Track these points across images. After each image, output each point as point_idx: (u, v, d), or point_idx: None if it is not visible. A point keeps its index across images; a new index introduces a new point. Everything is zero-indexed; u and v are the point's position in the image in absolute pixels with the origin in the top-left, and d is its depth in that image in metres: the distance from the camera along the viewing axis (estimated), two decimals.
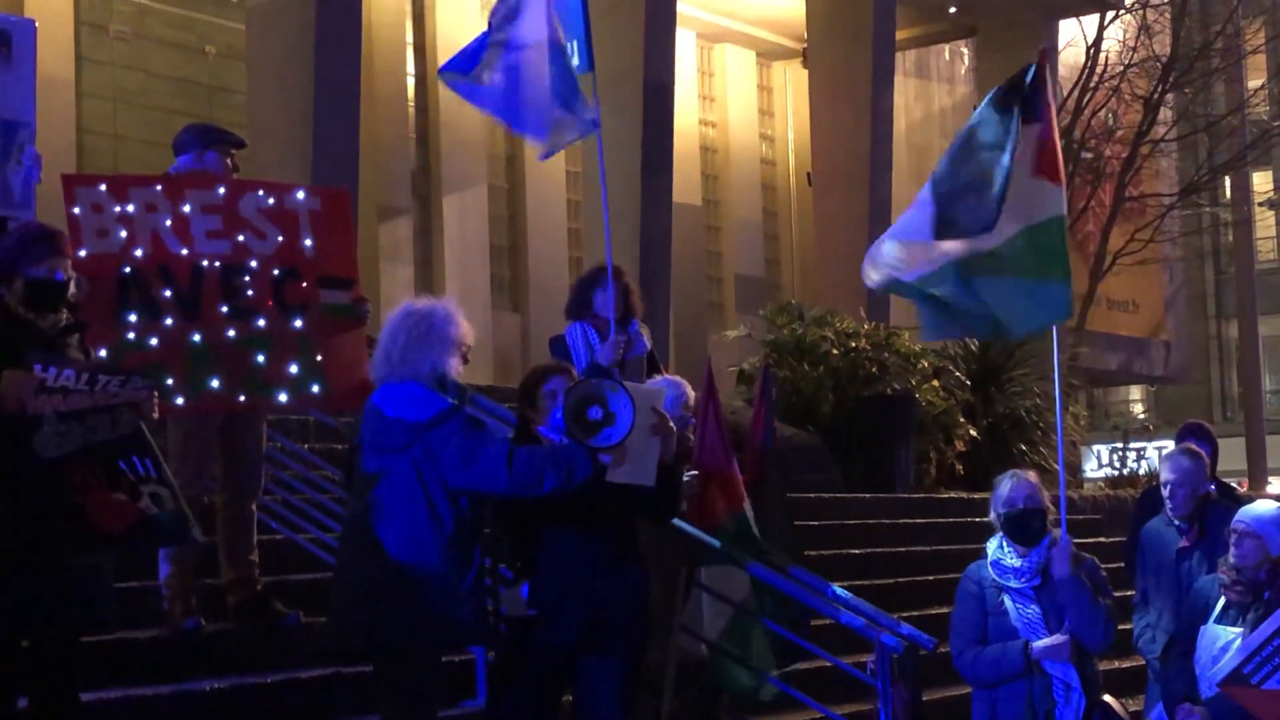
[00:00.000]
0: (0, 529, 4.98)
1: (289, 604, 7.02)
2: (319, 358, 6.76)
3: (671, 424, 5.71)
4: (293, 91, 11.96)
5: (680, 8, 15.38)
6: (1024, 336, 6.83)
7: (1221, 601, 6.38)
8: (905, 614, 7.24)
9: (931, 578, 10.38)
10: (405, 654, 5.36)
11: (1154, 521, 7.41)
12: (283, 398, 6.77)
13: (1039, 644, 6.14)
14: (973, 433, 14.12)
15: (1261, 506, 6.46)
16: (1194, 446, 7.36)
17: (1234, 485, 9.62)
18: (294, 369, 6.70)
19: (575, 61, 7.43)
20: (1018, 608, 6.25)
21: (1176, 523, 7.22)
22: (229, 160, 6.97)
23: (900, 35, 18.25)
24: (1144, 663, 7.62)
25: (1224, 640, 6.31)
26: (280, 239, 6.74)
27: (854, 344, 13.51)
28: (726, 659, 6.76)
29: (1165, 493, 7.20)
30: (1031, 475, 6.42)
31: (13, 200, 6.62)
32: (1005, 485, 6.34)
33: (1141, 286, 26.17)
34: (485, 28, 7.48)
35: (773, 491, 7.27)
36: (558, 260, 16.64)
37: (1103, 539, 11.96)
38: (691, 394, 7.02)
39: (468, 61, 7.40)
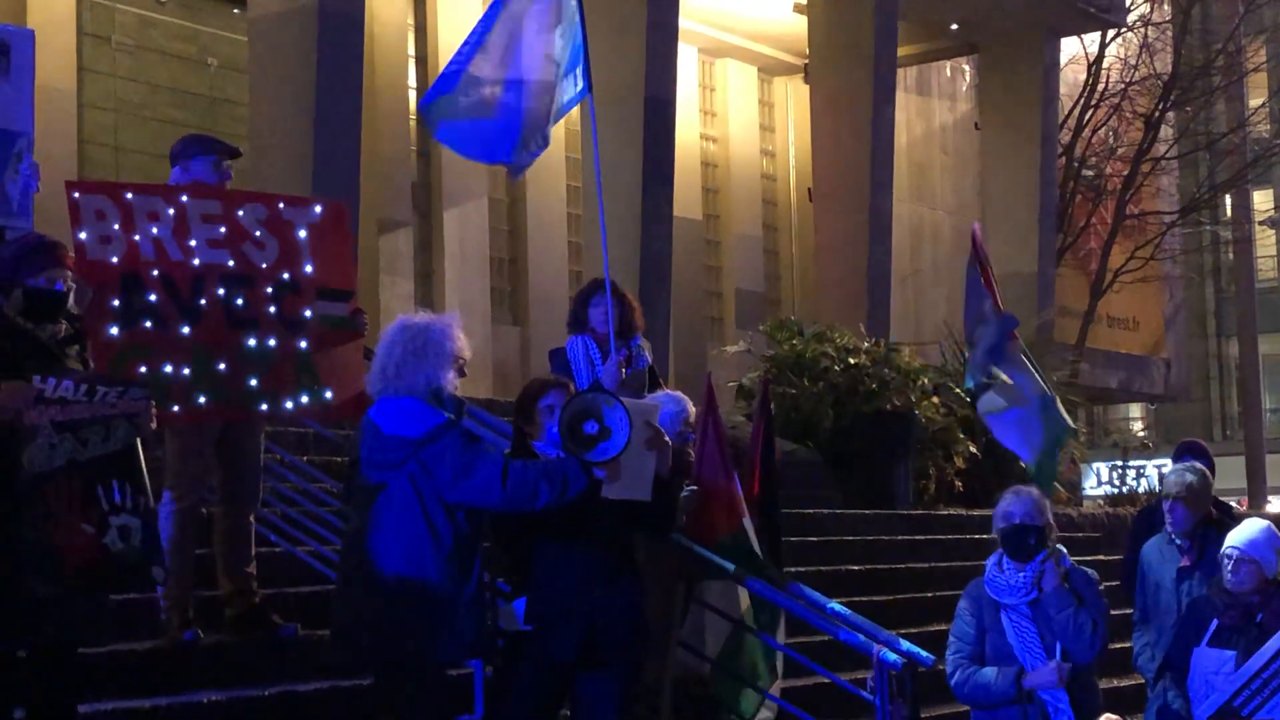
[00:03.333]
0: None
1: (287, 616, 7.01)
2: (317, 369, 6.76)
3: (667, 439, 5.70)
4: (294, 104, 11.97)
5: (682, 23, 15.40)
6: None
7: (1214, 624, 6.37)
8: (904, 631, 7.21)
9: (930, 594, 10.36)
10: (408, 671, 5.35)
11: (1154, 540, 7.39)
12: (288, 406, 6.77)
13: (1029, 677, 6.13)
14: (972, 449, 14.10)
15: (1252, 530, 6.45)
16: (1200, 465, 7.36)
17: (1233, 504, 9.62)
18: (293, 379, 6.71)
19: (579, 87, 7.52)
20: (1014, 626, 6.24)
21: (1178, 542, 7.21)
22: (218, 168, 6.92)
23: (901, 52, 18.26)
24: (1144, 681, 7.60)
25: (1217, 664, 6.31)
26: (279, 250, 6.75)
27: (854, 360, 13.50)
28: (728, 677, 6.74)
29: (1166, 507, 7.18)
30: (1034, 492, 6.42)
31: (11, 209, 6.64)
32: (1005, 501, 6.35)
33: (1142, 304, 26.20)
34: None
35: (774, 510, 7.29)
36: (558, 274, 16.65)
37: (1102, 556, 11.93)
38: (692, 409, 7.01)
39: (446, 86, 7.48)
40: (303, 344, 6.74)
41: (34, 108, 6.91)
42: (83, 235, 6.36)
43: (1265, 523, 6.57)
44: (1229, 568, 6.37)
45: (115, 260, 6.43)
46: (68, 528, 5.09)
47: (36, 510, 5.05)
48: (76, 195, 6.47)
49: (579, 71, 7.57)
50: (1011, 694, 6.13)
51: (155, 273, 6.51)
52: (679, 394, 7.14)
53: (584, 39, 7.52)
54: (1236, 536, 6.42)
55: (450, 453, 5.26)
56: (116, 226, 6.45)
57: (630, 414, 5.33)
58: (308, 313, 6.77)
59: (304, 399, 6.77)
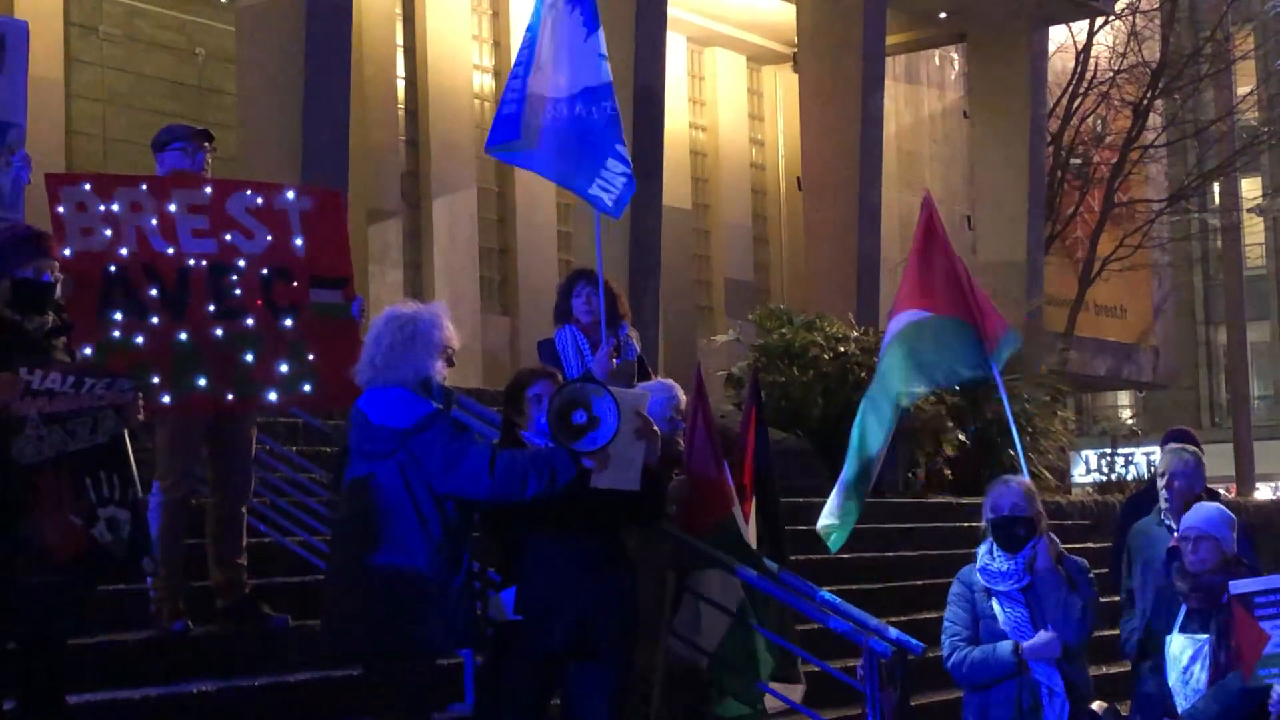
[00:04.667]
0: None
1: (277, 607, 7.01)
2: (310, 357, 6.75)
3: (656, 428, 5.70)
4: (283, 94, 11.95)
5: (671, 11, 15.39)
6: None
7: (1183, 610, 6.44)
8: (894, 619, 7.23)
9: (920, 583, 10.38)
10: (398, 661, 5.35)
11: (1142, 523, 7.41)
12: (271, 397, 6.75)
13: (1028, 643, 6.18)
14: (962, 438, 14.12)
15: (1205, 510, 6.55)
16: (1194, 448, 7.42)
17: (1220, 491, 9.65)
18: (283, 369, 6.69)
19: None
20: (1005, 610, 6.28)
21: (1168, 522, 7.24)
22: (190, 153, 6.88)
23: (890, 40, 18.27)
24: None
25: (1191, 649, 6.37)
26: (269, 239, 6.73)
27: (843, 348, 13.51)
28: (726, 669, 6.74)
29: (1162, 483, 7.23)
30: (1022, 481, 6.44)
31: (2, 201, 6.61)
32: (994, 491, 6.38)
33: (1130, 292, 26.24)
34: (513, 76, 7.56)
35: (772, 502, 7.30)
36: (547, 263, 16.64)
37: (1091, 544, 11.96)
38: (683, 398, 7.01)
39: (511, 129, 7.46)
40: (296, 333, 6.73)
41: (27, 100, 6.88)
42: (64, 228, 6.35)
43: (1215, 504, 6.69)
44: (1189, 549, 6.44)
45: (98, 252, 6.42)
46: (56, 520, 5.09)
47: (25, 502, 5.05)
48: (58, 188, 6.45)
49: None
50: (1012, 666, 6.17)
51: (139, 264, 6.49)
52: (670, 382, 7.14)
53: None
54: (1192, 517, 6.52)
55: (439, 443, 5.26)
56: (99, 218, 6.44)
57: (619, 403, 5.33)
58: (302, 301, 6.76)
59: (297, 388, 6.76)
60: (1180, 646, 6.45)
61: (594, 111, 7.44)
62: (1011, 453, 14.26)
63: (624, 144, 7.48)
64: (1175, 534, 7.16)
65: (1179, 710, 6.41)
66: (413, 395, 5.34)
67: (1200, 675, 6.41)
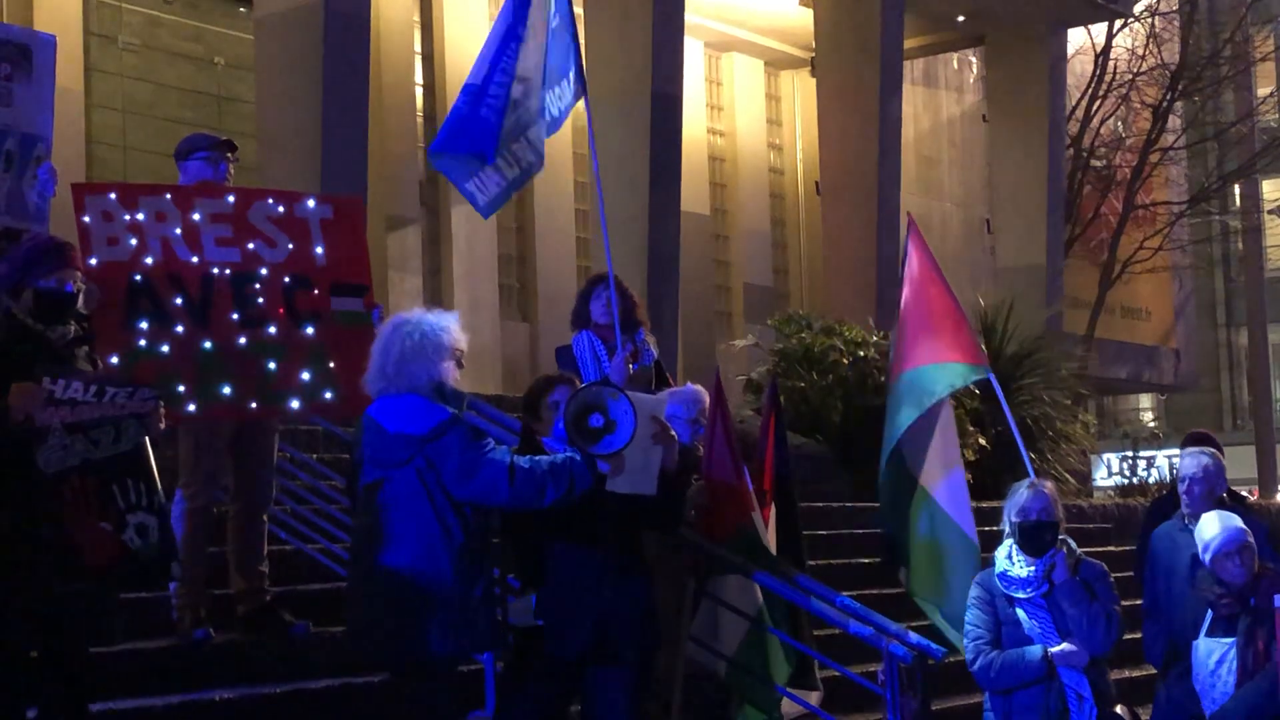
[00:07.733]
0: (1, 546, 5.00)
1: (298, 614, 7.03)
2: (331, 365, 6.78)
3: (673, 432, 5.71)
4: (301, 102, 11.98)
5: (688, 17, 15.38)
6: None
7: (1209, 616, 6.45)
8: (914, 623, 7.22)
9: None
10: (423, 667, 5.36)
11: (1165, 526, 7.40)
12: (295, 405, 6.78)
13: (1058, 648, 6.17)
14: (982, 441, 14.08)
15: (1228, 520, 6.57)
16: (1215, 451, 7.42)
17: (1244, 494, 9.62)
18: (305, 376, 6.73)
19: (566, 99, 7.57)
20: (1030, 617, 6.27)
21: (1190, 526, 7.23)
22: (214, 163, 6.92)
23: (908, 44, 18.24)
24: (1155, 671, 7.61)
25: (1219, 654, 6.37)
26: (291, 247, 6.77)
27: (862, 353, 13.47)
28: (746, 675, 6.74)
29: (1183, 488, 7.22)
30: (1049, 486, 6.44)
31: (28, 213, 6.63)
32: (1022, 494, 6.37)
33: (1151, 294, 26.15)
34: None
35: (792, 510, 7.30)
36: (566, 270, 16.64)
37: (1112, 547, 11.93)
38: (707, 400, 7.02)
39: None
40: (317, 341, 6.76)
41: (53, 113, 6.90)
42: (90, 237, 6.39)
43: (1221, 512, 6.74)
44: (1234, 562, 6.44)
45: (123, 261, 6.46)
46: (86, 527, 5.12)
47: (53, 510, 5.08)
48: (83, 197, 6.49)
49: (570, 79, 7.61)
50: (1042, 670, 6.18)
51: (164, 273, 6.53)
52: (699, 387, 7.18)
53: (576, 47, 7.57)
54: (1224, 528, 6.52)
55: (456, 449, 5.27)
56: (124, 228, 6.48)
57: (636, 408, 5.34)
58: (323, 309, 6.79)
59: (318, 396, 6.78)
60: (1207, 650, 6.46)
61: (480, 109, 7.52)
62: (1032, 456, 14.27)
63: (515, 147, 7.55)
64: (1202, 544, 7.17)
65: (1206, 713, 6.42)
66: (427, 402, 5.35)
67: (1227, 678, 6.42)
